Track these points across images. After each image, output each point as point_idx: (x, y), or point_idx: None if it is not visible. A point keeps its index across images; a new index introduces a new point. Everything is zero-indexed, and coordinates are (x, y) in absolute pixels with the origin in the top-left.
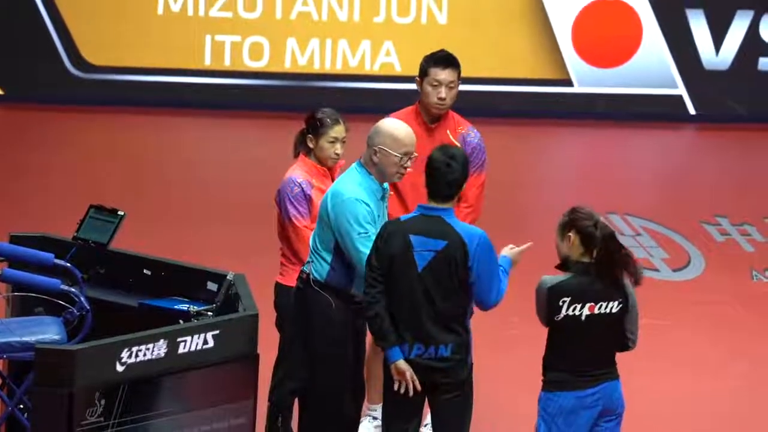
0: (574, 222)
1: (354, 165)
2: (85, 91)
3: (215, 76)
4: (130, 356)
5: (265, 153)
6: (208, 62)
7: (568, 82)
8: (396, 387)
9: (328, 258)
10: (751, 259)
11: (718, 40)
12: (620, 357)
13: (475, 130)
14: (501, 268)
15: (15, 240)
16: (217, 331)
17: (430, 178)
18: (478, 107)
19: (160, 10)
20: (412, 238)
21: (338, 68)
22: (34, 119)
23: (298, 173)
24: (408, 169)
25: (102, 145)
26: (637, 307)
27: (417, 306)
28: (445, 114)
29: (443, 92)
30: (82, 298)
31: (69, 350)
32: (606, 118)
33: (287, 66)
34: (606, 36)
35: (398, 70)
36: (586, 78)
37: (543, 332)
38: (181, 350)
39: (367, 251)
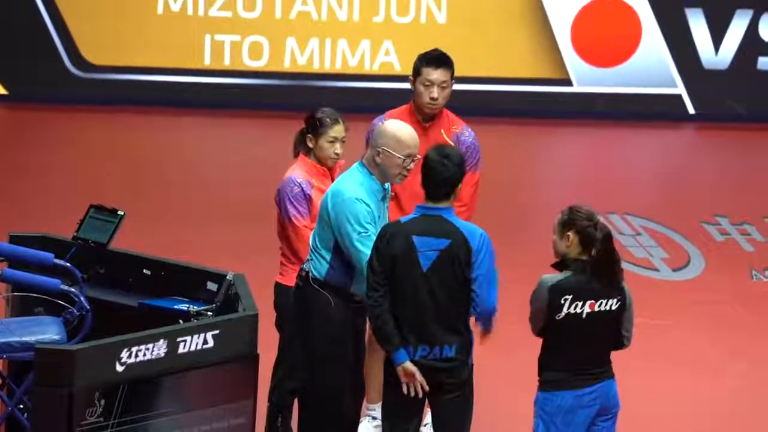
0: (574, 222)
1: (355, 165)
2: (85, 91)
3: (215, 75)
4: (129, 356)
5: (265, 152)
6: (207, 62)
7: (568, 82)
8: (405, 390)
9: (328, 257)
10: (750, 258)
11: (717, 39)
12: (620, 357)
13: (470, 129)
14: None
15: (15, 240)
16: (217, 331)
17: (426, 178)
18: (477, 107)
19: (159, 10)
20: (414, 239)
21: (338, 68)
22: (34, 119)
23: (298, 173)
24: (410, 171)
25: (102, 145)
26: (632, 305)
27: (421, 307)
28: (440, 113)
29: (435, 92)
30: (82, 298)
31: (69, 350)
32: (605, 118)
33: (287, 65)
34: (605, 35)
35: (398, 69)
36: (586, 77)
37: None
38: (180, 350)
39: (367, 251)
